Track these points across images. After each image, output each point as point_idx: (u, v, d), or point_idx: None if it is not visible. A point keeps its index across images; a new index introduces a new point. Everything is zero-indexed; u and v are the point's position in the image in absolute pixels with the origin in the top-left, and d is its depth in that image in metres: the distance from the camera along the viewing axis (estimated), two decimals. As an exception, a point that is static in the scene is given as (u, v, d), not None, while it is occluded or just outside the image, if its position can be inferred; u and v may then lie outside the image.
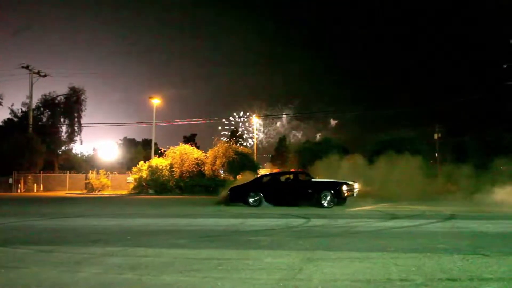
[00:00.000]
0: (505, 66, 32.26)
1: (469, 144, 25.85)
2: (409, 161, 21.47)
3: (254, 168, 31.97)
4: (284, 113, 59.79)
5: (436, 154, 35.36)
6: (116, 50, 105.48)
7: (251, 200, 15.89)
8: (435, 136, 42.02)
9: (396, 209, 14.01)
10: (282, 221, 10.63)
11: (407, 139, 25.25)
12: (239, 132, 58.64)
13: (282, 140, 58.88)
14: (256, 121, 51.28)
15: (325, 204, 14.87)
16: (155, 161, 33.82)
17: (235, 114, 65.95)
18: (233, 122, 62.36)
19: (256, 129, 59.38)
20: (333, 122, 54.95)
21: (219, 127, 62.09)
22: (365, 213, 12.81)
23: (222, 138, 41.75)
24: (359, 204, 16.08)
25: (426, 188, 19.91)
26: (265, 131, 62.62)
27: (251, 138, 62.08)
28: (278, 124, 62.47)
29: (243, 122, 64.63)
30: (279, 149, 54.79)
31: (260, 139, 61.73)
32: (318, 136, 47.55)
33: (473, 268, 4.89)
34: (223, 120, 62.31)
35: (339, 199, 15.34)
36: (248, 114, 58.84)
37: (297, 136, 54.22)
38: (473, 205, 15.02)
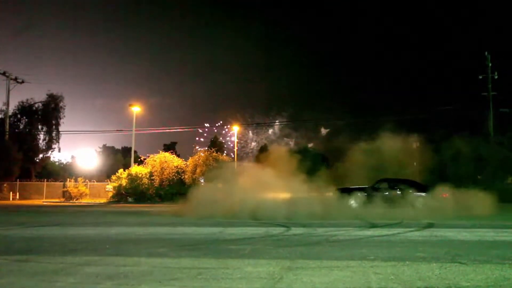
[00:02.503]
0: (480, 77, 32.91)
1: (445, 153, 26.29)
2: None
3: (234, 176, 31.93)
4: (266, 121, 59.71)
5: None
6: (96, 56, 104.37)
7: None
8: (414, 146, 42.55)
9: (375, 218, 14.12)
10: (261, 229, 10.61)
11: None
12: (219, 140, 58.32)
13: (263, 148, 58.89)
14: (236, 129, 51.16)
15: None
16: (135, 169, 33.53)
17: (220, 122, 65.58)
18: (215, 130, 62.05)
19: (249, 138, 59.48)
20: (323, 130, 54.96)
21: (201, 138, 61.70)
22: (345, 222, 12.88)
23: (200, 148, 41.69)
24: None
25: None
26: (256, 139, 62.49)
27: (244, 147, 61.77)
28: (270, 132, 62.31)
29: (224, 131, 64.39)
30: (259, 158, 54.76)
31: (252, 147, 61.58)
32: (309, 145, 47.50)
33: (451, 276, 4.95)
34: (205, 128, 61.84)
35: None
36: (227, 123, 58.60)
37: (289, 145, 54.14)
38: (451, 214, 15.23)
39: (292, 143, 55.91)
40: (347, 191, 18.69)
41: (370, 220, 12.87)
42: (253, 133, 62.56)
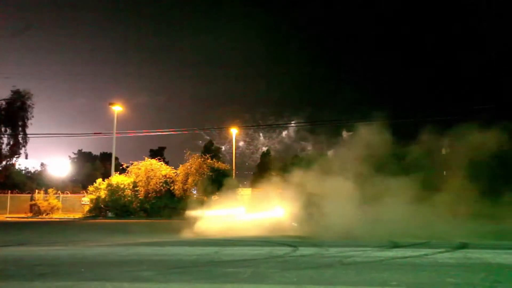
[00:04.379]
0: None
1: None
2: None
3: (233, 187, 31.92)
4: (280, 123, 59.64)
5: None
6: (72, 50, 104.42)
7: None
8: (443, 151, 42.41)
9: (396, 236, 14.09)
10: (265, 249, 10.61)
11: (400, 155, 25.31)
12: (215, 145, 58.25)
13: (266, 154, 58.90)
14: (235, 132, 51.19)
15: None
16: (116, 178, 33.55)
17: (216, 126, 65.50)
18: (212, 133, 61.96)
19: (260, 142, 59.37)
20: (345, 134, 54.55)
21: (199, 141, 61.55)
22: (361, 240, 12.85)
23: (195, 153, 41.53)
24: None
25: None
26: (268, 143, 62.35)
27: (254, 153, 61.60)
28: (284, 134, 62.07)
29: (222, 134, 64.29)
30: (262, 166, 54.77)
31: (261, 152, 61.46)
32: (329, 152, 47.22)
33: (487, 305, 4.94)
34: (201, 132, 61.71)
35: None
36: (229, 126, 58.40)
37: (308, 150, 53.83)
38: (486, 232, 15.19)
39: (309, 148, 55.53)
40: None
41: (391, 239, 12.85)
42: (264, 137, 62.41)
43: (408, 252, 10.10)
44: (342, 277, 6.83)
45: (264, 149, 61.50)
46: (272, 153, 59.41)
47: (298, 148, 57.70)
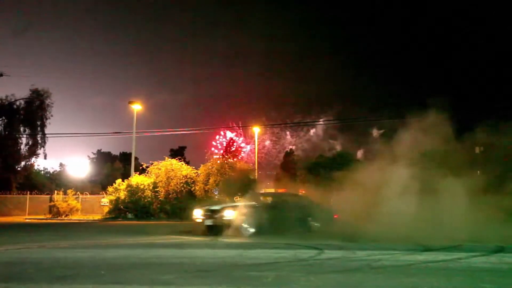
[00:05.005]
0: None
1: None
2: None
3: (255, 187, 31.90)
4: (285, 122, 59.31)
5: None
6: (91, 48, 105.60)
7: None
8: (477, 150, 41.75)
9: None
10: (289, 252, 10.58)
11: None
12: (237, 144, 58.29)
13: (289, 154, 58.74)
14: (257, 130, 51.16)
15: None
16: (136, 179, 33.76)
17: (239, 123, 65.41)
18: (239, 131, 61.91)
19: (287, 141, 59.30)
20: (376, 132, 53.70)
21: (219, 140, 61.61)
22: (390, 243, 12.72)
23: (217, 153, 41.67)
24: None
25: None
26: (295, 142, 62.17)
27: (280, 152, 61.46)
28: (312, 132, 61.77)
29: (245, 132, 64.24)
30: (285, 165, 54.64)
31: (285, 151, 61.35)
32: (359, 152, 46.76)
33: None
34: (222, 130, 61.76)
35: None
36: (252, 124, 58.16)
37: (335, 149, 53.40)
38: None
39: (338, 147, 55.08)
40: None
41: (421, 242, 12.68)
42: (291, 136, 62.17)
43: (440, 255, 9.96)
44: (371, 281, 6.77)
45: (292, 147, 61.23)
46: (299, 152, 59.18)
47: (326, 147, 57.31)
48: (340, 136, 57.02)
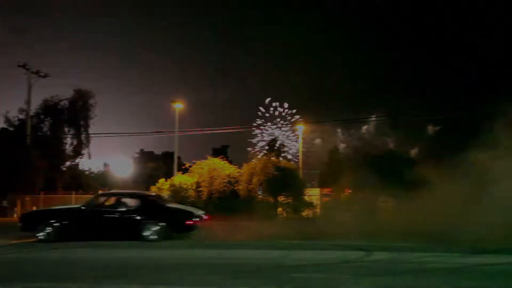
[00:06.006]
0: None
1: None
2: None
3: (300, 187, 31.74)
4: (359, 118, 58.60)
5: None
6: (132, 47, 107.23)
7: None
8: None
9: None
10: (335, 253, 10.48)
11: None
12: (281, 142, 58.27)
13: (334, 152, 58.20)
14: (301, 128, 50.94)
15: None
16: (179, 178, 33.97)
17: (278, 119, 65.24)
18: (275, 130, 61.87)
19: (338, 139, 59.00)
20: (431, 129, 52.18)
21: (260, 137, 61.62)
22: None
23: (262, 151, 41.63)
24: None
25: None
26: (346, 140, 61.70)
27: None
28: (364, 129, 61.04)
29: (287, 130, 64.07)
30: (330, 164, 54.17)
31: (337, 148, 61.04)
32: (412, 151, 45.74)
33: None
34: (265, 127, 61.76)
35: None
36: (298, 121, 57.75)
37: (389, 146, 52.45)
38: None
39: (392, 145, 54.05)
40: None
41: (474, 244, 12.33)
42: (342, 133, 61.60)
43: (493, 258, 9.70)
44: (422, 285, 6.62)
45: (342, 145, 60.60)
46: (349, 150, 58.53)
47: (379, 144, 56.13)
48: (392, 133, 55.62)
